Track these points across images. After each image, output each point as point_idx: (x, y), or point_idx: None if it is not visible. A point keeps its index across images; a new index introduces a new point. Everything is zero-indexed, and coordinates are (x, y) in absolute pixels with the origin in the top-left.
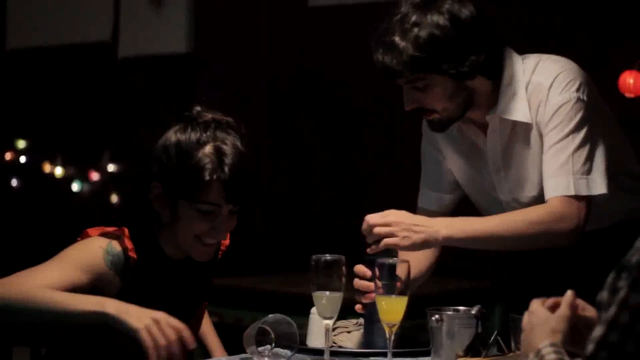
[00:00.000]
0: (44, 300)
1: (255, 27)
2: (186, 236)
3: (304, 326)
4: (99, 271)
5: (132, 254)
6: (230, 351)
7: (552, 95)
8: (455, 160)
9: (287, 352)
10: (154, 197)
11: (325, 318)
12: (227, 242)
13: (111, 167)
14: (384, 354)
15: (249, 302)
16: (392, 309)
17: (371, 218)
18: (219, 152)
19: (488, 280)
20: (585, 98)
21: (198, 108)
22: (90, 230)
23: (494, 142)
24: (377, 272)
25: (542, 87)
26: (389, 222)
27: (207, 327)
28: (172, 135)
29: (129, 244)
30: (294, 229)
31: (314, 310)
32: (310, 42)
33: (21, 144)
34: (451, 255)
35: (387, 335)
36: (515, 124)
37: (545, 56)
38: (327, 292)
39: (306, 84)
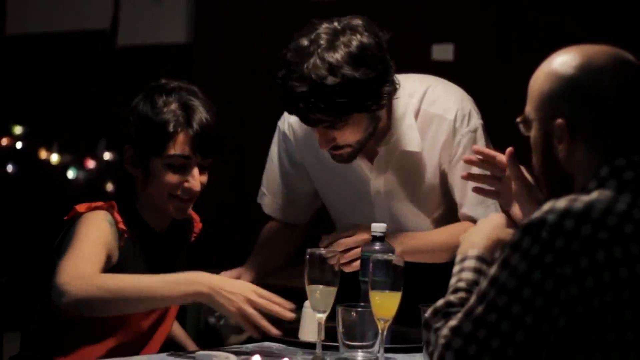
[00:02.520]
0: (142, 289)
1: (255, 18)
2: (160, 193)
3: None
4: (110, 244)
5: (122, 226)
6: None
7: (460, 129)
8: (324, 179)
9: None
10: (126, 159)
11: (319, 312)
12: (199, 225)
13: (107, 156)
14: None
15: None
16: (386, 304)
17: (344, 242)
18: (184, 108)
19: None
20: (482, 122)
21: (164, 80)
22: (78, 207)
23: (380, 167)
24: (371, 268)
25: (443, 121)
26: (358, 243)
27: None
28: (140, 100)
29: (118, 216)
30: None
31: (307, 303)
32: None
33: (18, 130)
34: None
35: (380, 331)
36: (405, 152)
37: (429, 81)
38: (321, 286)
39: None
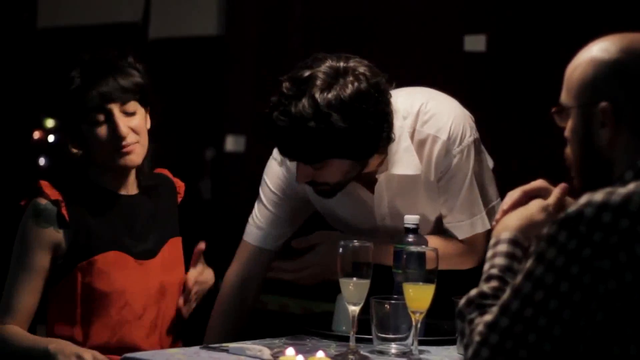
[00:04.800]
0: (14, 342)
1: (288, 9)
2: (103, 153)
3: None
4: (43, 239)
5: (57, 197)
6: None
7: (453, 148)
8: (328, 206)
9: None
10: (66, 138)
11: (352, 304)
12: (181, 185)
13: None
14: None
15: (275, 287)
16: (419, 297)
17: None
18: (86, 67)
19: None
20: (477, 135)
21: (81, 56)
22: (23, 202)
23: (382, 195)
24: (405, 260)
25: (438, 141)
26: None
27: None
28: (56, 82)
29: (50, 191)
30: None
31: (340, 296)
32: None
33: (50, 123)
34: None
35: (414, 323)
36: (404, 176)
37: (421, 97)
38: (354, 279)
39: None
